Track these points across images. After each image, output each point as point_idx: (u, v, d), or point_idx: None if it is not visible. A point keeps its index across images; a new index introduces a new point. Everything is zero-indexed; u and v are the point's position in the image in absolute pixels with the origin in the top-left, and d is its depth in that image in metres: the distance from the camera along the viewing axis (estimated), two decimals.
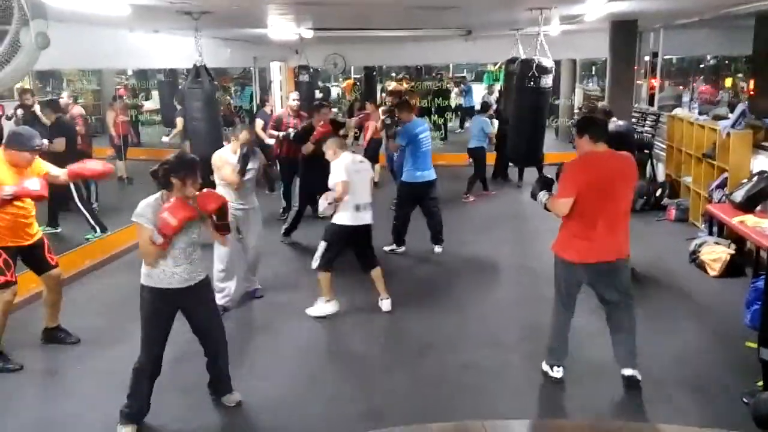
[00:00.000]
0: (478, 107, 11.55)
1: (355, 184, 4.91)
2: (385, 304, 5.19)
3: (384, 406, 3.82)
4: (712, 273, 5.80)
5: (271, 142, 9.14)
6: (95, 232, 6.97)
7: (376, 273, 5.20)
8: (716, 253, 5.84)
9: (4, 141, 4.37)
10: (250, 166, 5.13)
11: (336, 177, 4.89)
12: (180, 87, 9.20)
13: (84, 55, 6.62)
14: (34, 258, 4.51)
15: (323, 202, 4.89)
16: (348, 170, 4.89)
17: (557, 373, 4.01)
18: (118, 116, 9.68)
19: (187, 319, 3.64)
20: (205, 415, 3.73)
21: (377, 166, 10.25)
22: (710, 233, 6.49)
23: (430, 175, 6.56)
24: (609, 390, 3.95)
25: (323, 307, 5.11)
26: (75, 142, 7.32)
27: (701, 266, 5.94)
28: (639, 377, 3.88)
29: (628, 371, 3.90)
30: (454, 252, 6.72)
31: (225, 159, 5.11)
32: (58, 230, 7.26)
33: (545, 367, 4.08)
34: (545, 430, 3.15)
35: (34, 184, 4.12)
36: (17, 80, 3.20)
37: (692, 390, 3.89)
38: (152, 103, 12.68)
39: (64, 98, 8.92)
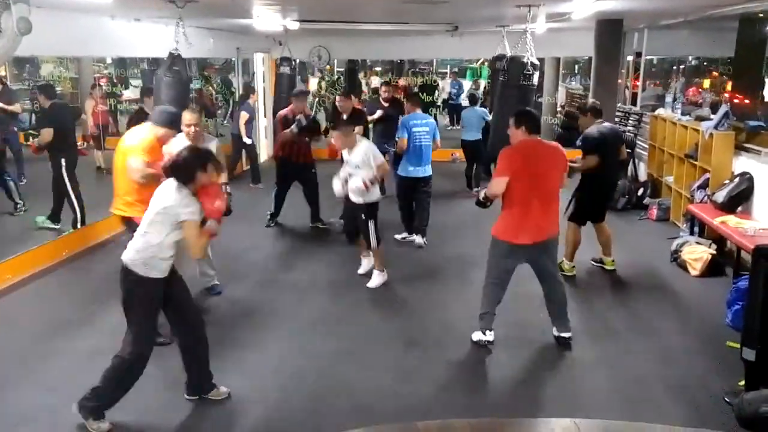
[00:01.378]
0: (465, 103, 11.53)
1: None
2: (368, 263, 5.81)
3: (370, 402, 3.79)
4: (693, 272, 5.86)
5: (249, 141, 9.09)
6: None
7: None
8: (697, 253, 5.90)
9: (158, 119, 4.36)
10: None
11: (378, 157, 5.44)
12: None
13: (64, 41, 6.47)
14: None
15: (337, 183, 5.50)
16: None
17: (490, 336, 4.43)
18: (97, 105, 9.48)
19: (171, 309, 3.60)
20: (189, 411, 3.67)
21: None
22: (691, 233, 6.56)
23: (422, 171, 6.66)
24: (592, 389, 3.97)
25: (380, 276, 5.63)
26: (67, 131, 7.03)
27: (682, 265, 6.00)
28: (570, 337, 4.45)
29: (562, 333, 4.46)
30: (439, 248, 6.71)
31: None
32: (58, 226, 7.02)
33: (477, 335, 4.46)
34: (531, 428, 3.16)
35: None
36: None
37: (675, 389, 3.92)
38: (131, 93, 12.47)
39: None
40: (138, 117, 6.64)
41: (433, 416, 3.62)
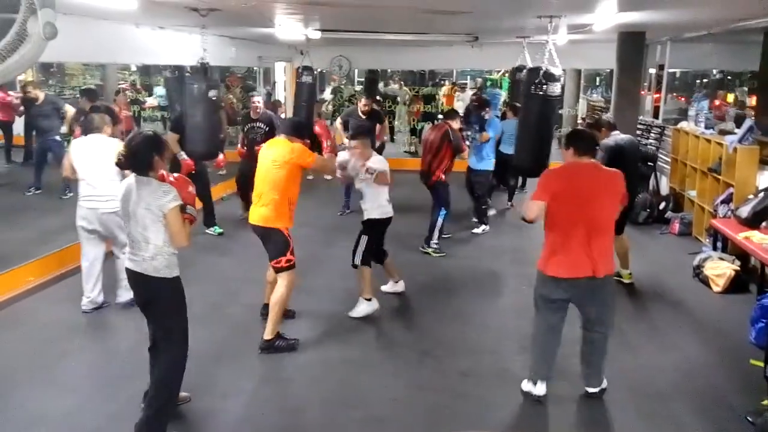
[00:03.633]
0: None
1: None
2: (400, 285, 5.62)
3: (383, 412, 3.76)
4: (715, 289, 5.75)
5: None
6: None
7: (388, 261, 5.51)
8: (720, 269, 5.80)
9: (291, 130, 4.63)
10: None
11: (383, 166, 5.12)
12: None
13: (89, 48, 6.57)
14: None
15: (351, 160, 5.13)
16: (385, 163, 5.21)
17: (540, 389, 3.88)
18: (120, 111, 9.62)
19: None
20: (199, 418, 3.67)
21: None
22: (714, 248, 6.45)
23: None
24: (609, 403, 3.90)
25: (365, 306, 5.15)
26: None
27: (705, 281, 5.90)
28: (601, 391, 3.93)
29: (591, 388, 3.93)
30: (455, 259, 6.68)
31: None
32: None
33: (525, 384, 3.94)
34: None
35: None
36: (23, 70, 3.15)
37: (695, 407, 3.84)
38: (154, 100, 12.65)
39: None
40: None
41: (447, 429, 3.59)
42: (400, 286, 5.65)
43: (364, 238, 5.11)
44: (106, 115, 5.33)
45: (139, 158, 3.28)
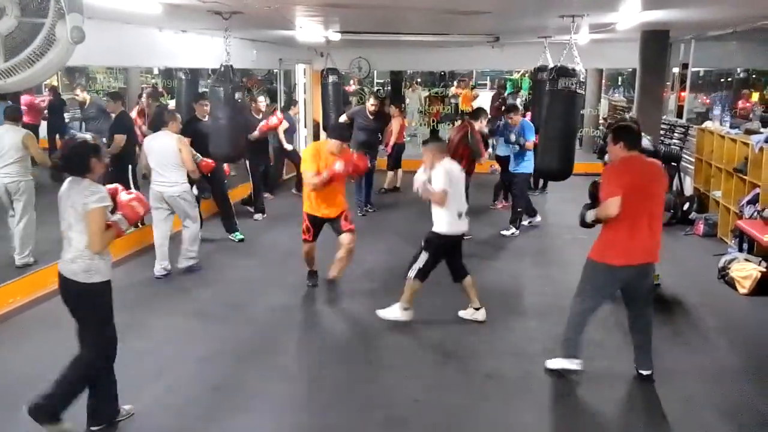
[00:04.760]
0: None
1: (456, 191, 4.83)
2: (480, 314, 5.05)
3: (406, 413, 3.76)
4: (741, 290, 5.66)
5: (289, 147, 9.28)
6: None
7: (468, 282, 5.05)
8: (746, 271, 5.70)
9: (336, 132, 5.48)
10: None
11: (438, 184, 4.75)
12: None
13: (114, 52, 6.65)
14: (333, 225, 5.55)
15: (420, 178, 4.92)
16: (452, 178, 4.80)
17: (576, 365, 4.12)
18: (143, 114, 9.75)
19: None
20: (233, 419, 3.70)
21: (400, 171, 10.23)
22: (740, 249, 6.36)
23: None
24: (634, 408, 3.86)
25: (399, 312, 4.94)
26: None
27: (730, 283, 5.81)
28: (650, 375, 4.10)
29: (643, 370, 4.11)
30: (476, 260, 6.64)
31: (184, 143, 5.99)
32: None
33: (557, 362, 4.17)
34: None
35: (339, 166, 5.14)
36: (51, 74, 3.19)
37: (721, 411, 3.78)
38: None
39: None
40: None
41: (471, 430, 3.58)
42: (480, 315, 5.06)
43: (424, 255, 4.87)
44: (176, 113, 6.25)
45: (75, 161, 3.30)
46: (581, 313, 4.10)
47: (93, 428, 3.48)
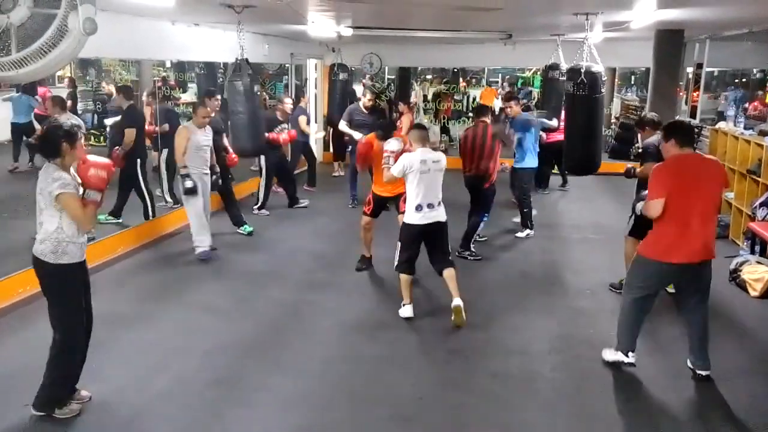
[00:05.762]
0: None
1: (418, 184, 4.84)
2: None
3: (410, 411, 3.75)
4: (753, 293, 5.60)
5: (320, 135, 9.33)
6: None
7: (448, 273, 5.02)
8: (758, 273, 5.65)
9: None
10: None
11: (396, 167, 4.92)
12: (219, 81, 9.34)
13: (126, 45, 6.68)
14: (395, 203, 5.87)
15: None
16: (411, 167, 4.84)
17: (632, 357, 4.17)
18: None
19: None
20: (227, 415, 3.72)
21: None
22: (752, 252, 6.30)
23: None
24: (641, 409, 3.83)
25: (401, 309, 5.01)
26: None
27: (742, 286, 5.75)
28: (707, 376, 4.08)
29: (699, 370, 4.09)
30: (484, 259, 6.62)
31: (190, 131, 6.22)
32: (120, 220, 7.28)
33: (615, 355, 4.20)
34: None
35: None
36: (63, 65, 3.21)
37: (730, 415, 3.74)
38: (188, 96, 12.80)
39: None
40: None
41: (476, 429, 3.57)
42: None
43: (398, 246, 5.08)
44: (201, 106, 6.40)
45: (48, 144, 3.40)
46: (627, 306, 4.16)
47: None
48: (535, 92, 15.29)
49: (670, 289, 5.67)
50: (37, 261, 3.44)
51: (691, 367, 4.13)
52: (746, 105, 12.23)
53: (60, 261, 3.40)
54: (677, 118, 9.09)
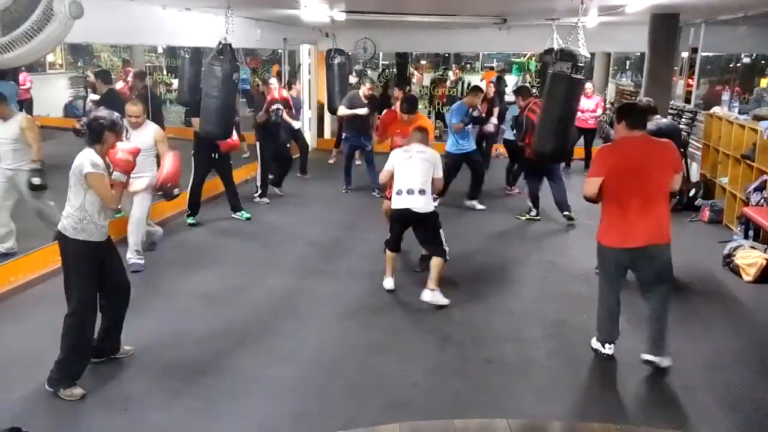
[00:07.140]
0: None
1: (400, 170, 5.10)
2: (426, 294, 5.00)
3: (405, 398, 3.75)
4: (746, 278, 5.62)
5: (298, 124, 9.21)
6: None
7: (434, 262, 5.06)
8: (752, 258, 5.66)
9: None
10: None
11: (385, 166, 5.27)
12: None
13: (117, 30, 6.60)
14: None
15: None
16: (395, 161, 5.19)
17: (609, 350, 4.14)
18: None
19: (105, 274, 3.76)
20: (223, 395, 3.71)
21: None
22: (746, 237, 6.30)
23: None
24: (636, 393, 3.85)
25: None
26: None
27: (735, 270, 5.76)
28: (662, 365, 3.97)
29: (651, 356, 3.99)
30: (478, 246, 6.62)
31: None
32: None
33: (595, 344, 4.21)
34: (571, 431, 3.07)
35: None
36: (49, 50, 3.17)
37: (723, 399, 3.76)
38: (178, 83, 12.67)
39: None
40: None
41: (471, 415, 3.57)
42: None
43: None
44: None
45: (92, 130, 3.64)
46: (599, 295, 4.19)
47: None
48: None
49: None
50: (59, 234, 3.65)
51: (649, 359, 3.99)
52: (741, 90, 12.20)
53: (77, 237, 3.59)
54: (672, 103, 9.09)
